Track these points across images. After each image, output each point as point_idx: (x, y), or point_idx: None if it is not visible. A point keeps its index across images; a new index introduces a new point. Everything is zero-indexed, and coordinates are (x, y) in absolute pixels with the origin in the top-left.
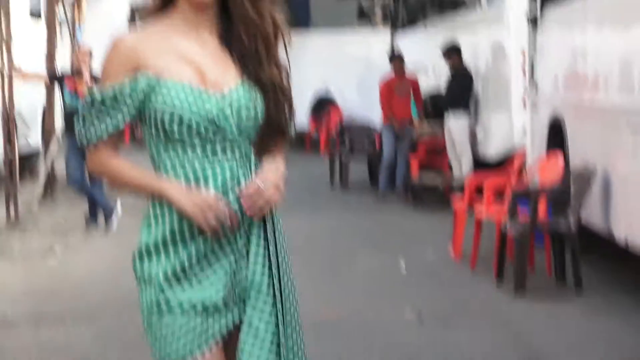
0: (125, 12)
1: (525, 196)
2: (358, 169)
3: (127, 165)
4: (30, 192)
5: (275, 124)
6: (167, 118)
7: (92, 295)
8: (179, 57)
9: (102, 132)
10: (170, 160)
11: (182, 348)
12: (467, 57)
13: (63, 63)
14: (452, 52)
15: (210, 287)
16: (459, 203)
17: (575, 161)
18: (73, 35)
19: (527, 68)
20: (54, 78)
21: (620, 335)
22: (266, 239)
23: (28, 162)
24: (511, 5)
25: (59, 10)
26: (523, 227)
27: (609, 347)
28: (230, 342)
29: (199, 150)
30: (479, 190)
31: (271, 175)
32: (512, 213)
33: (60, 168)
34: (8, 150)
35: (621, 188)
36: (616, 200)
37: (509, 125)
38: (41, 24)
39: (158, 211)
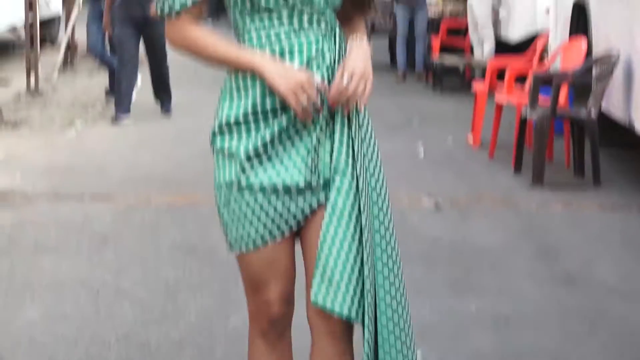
0: None
1: (547, 81)
2: (378, 49)
3: (212, 36)
4: (49, 60)
5: None
6: None
7: (112, 172)
8: None
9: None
10: (255, 30)
11: (254, 232)
12: None
13: None
14: None
15: (292, 166)
16: (480, 86)
17: (598, 47)
18: None
19: None
20: None
21: (637, 229)
22: (349, 124)
23: (47, 29)
24: None
25: None
26: (543, 113)
27: (625, 241)
28: (310, 225)
29: (285, 20)
30: (500, 74)
31: (359, 62)
32: (533, 98)
33: (81, 35)
34: (29, 14)
35: None
36: (638, 88)
37: (532, 6)
38: None
39: (241, 84)
